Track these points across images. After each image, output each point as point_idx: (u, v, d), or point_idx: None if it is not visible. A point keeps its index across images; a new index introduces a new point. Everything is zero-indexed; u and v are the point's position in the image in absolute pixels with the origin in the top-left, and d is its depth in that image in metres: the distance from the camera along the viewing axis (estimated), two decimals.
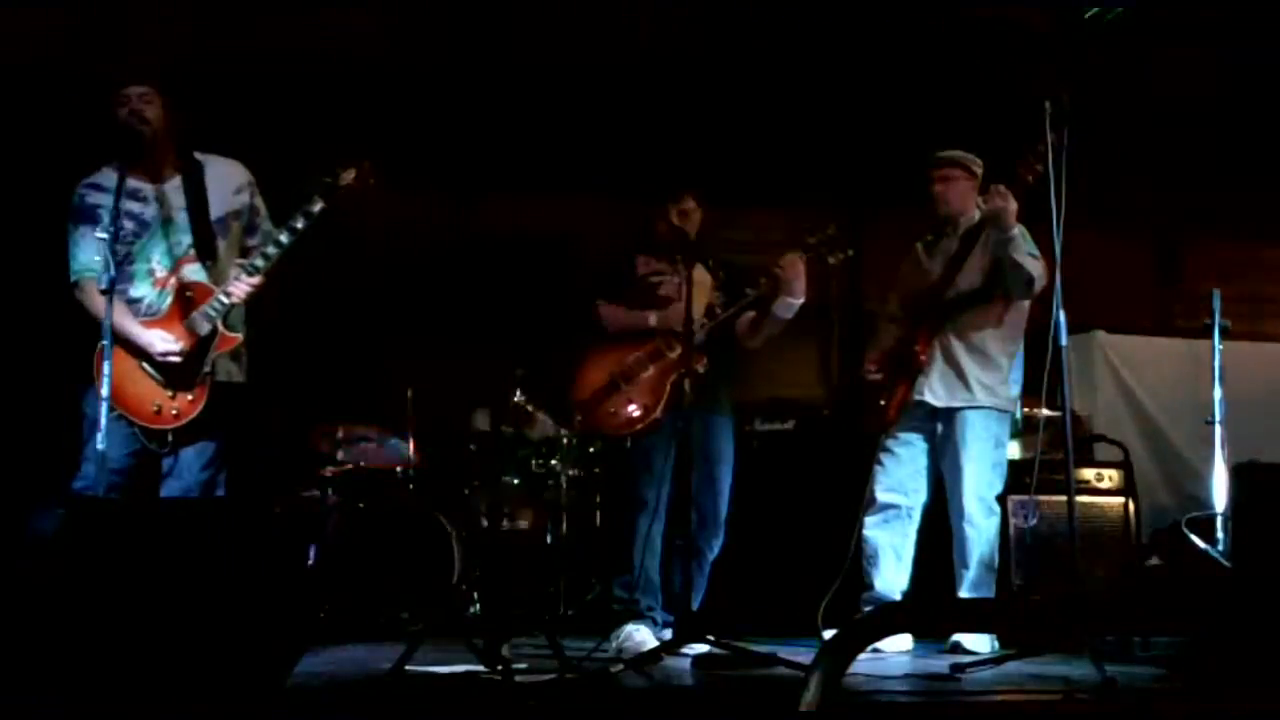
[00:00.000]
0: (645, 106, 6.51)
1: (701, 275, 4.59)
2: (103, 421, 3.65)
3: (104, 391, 3.67)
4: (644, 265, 4.74)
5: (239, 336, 4.07)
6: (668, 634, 4.41)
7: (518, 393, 5.90)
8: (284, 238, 3.97)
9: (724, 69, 6.34)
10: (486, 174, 6.65)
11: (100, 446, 3.63)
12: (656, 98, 6.47)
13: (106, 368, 3.68)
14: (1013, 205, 4.51)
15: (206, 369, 4.01)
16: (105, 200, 3.87)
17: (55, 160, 4.84)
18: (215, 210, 4.08)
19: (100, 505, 3.55)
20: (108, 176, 3.94)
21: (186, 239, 4.04)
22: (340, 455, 5.77)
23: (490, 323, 6.47)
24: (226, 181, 4.12)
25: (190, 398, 3.98)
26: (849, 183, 7.04)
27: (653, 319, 4.60)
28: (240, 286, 3.99)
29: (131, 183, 3.94)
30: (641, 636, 4.39)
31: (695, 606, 4.54)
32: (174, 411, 3.97)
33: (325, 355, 6.11)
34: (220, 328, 4.01)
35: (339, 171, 4.02)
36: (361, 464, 5.78)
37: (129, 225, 3.95)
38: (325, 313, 6.33)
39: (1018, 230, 4.58)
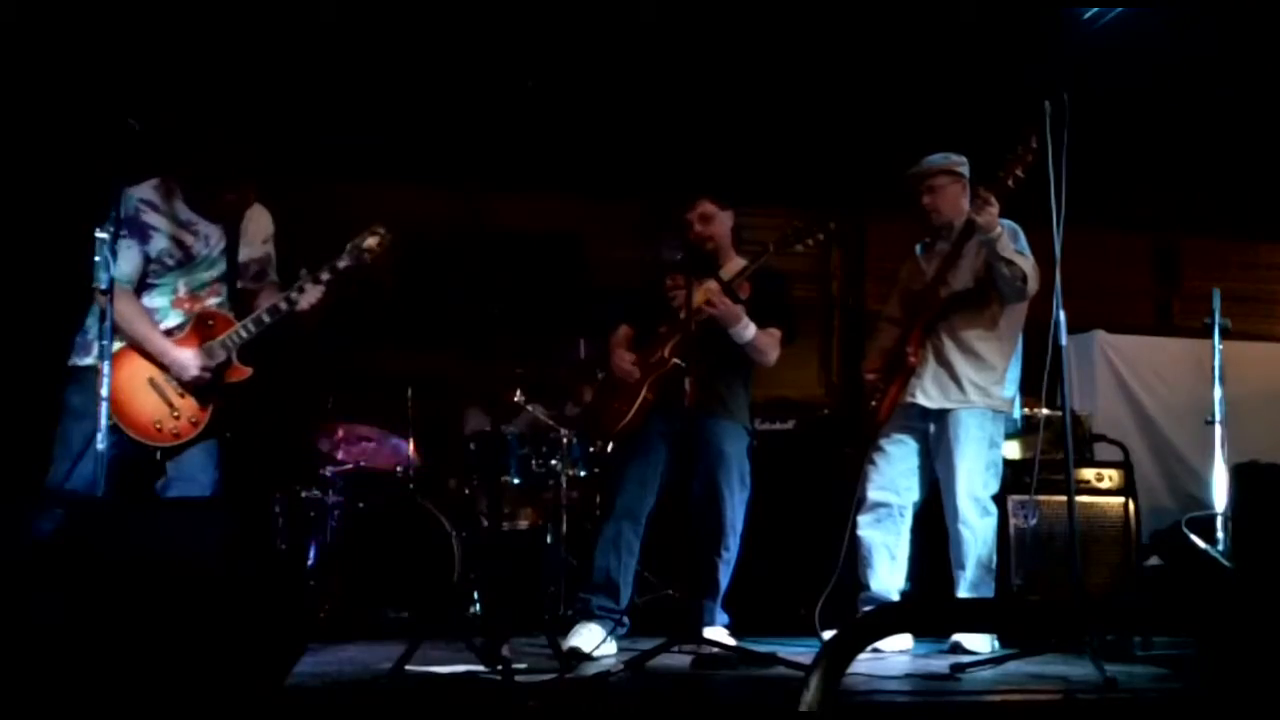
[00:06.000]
0: (648, 107, 6.51)
1: (711, 286, 4.59)
2: (103, 422, 3.65)
3: (104, 391, 3.68)
4: (671, 281, 4.76)
5: (249, 371, 4.13)
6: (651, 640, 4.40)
7: (518, 392, 5.91)
8: (308, 286, 4.08)
9: (727, 67, 6.34)
10: (488, 173, 6.64)
11: (100, 446, 3.64)
12: (659, 98, 6.47)
13: (106, 367, 3.69)
14: (993, 207, 4.51)
15: (214, 394, 4.08)
16: (158, 222, 4.00)
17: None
18: (244, 254, 4.19)
19: (100, 505, 3.55)
20: (165, 202, 4.03)
21: (216, 273, 4.14)
22: (340, 455, 5.77)
23: (491, 322, 6.46)
24: (260, 230, 4.25)
25: (194, 421, 4.04)
26: (851, 183, 7.05)
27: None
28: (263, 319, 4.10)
29: (186, 214, 4.07)
30: (587, 634, 4.39)
31: (711, 611, 4.55)
32: (174, 431, 4.02)
33: (325, 354, 6.10)
34: (234, 359, 4.10)
35: (366, 236, 4.14)
36: (361, 464, 5.79)
37: (176, 253, 4.06)
38: (324, 311, 6.32)
39: (999, 230, 4.57)
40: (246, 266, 4.21)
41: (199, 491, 4.05)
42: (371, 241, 4.12)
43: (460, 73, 6.19)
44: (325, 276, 4.08)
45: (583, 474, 5.79)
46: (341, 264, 4.09)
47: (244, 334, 4.08)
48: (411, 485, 5.71)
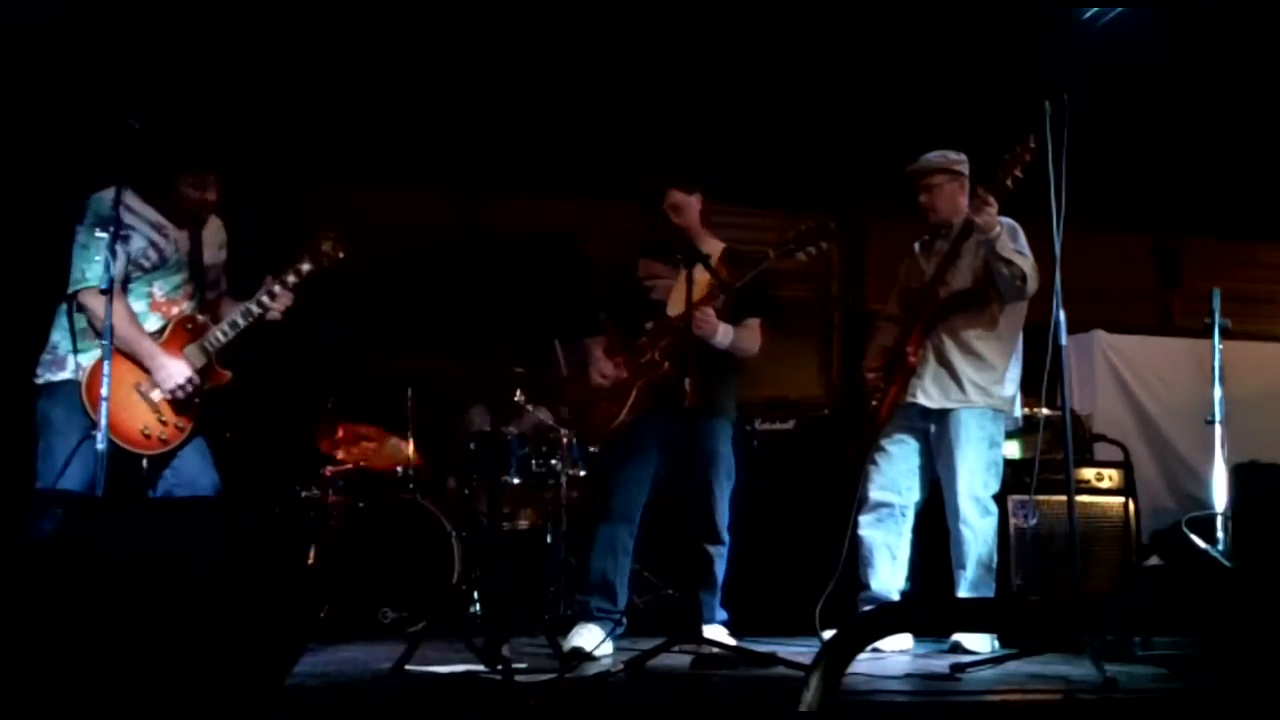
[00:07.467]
0: (649, 107, 6.51)
1: (701, 277, 4.57)
2: (103, 422, 3.66)
3: (104, 391, 3.68)
4: (644, 269, 4.74)
5: (229, 375, 4.18)
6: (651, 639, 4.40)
7: (518, 392, 5.91)
8: (277, 290, 4.13)
9: (728, 67, 6.34)
10: (488, 173, 6.65)
11: (101, 446, 3.64)
12: (660, 98, 6.47)
13: (107, 368, 3.70)
14: (991, 207, 4.50)
15: (197, 400, 4.09)
16: (133, 222, 3.99)
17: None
18: (206, 257, 4.24)
19: (100, 505, 3.55)
20: (138, 203, 4.02)
21: (186, 276, 4.16)
22: (340, 455, 5.77)
23: (491, 322, 6.47)
24: (216, 236, 4.30)
25: (180, 427, 4.05)
26: (851, 182, 7.05)
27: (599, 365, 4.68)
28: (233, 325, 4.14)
29: (155, 216, 4.08)
30: (587, 635, 4.40)
31: (710, 607, 4.55)
32: (162, 438, 4.03)
33: (326, 354, 6.11)
34: (214, 363, 4.13)
35: (320, 240, 4.20)
36: (361, 464, 5.79)
37: (152, 255, 4.06)
38: (325, 311, 6.32)
39: (998, 229, 4.57)
40: (207, 271, 4.24)
41: (204, 494, 4.06)
42: (327, 245, 4.19)
43: (459, 73, 6.20)
44: (292, 280, 4.15)
45: (583, 474, 5.79)
46: (305, 267, 4.16)
47: (221, 337, 4.12)
48: (411, 485, 5.71)
